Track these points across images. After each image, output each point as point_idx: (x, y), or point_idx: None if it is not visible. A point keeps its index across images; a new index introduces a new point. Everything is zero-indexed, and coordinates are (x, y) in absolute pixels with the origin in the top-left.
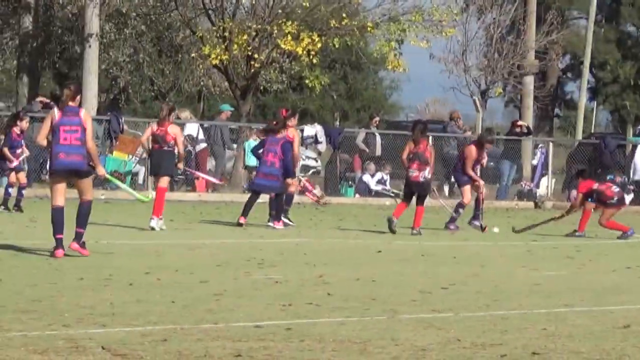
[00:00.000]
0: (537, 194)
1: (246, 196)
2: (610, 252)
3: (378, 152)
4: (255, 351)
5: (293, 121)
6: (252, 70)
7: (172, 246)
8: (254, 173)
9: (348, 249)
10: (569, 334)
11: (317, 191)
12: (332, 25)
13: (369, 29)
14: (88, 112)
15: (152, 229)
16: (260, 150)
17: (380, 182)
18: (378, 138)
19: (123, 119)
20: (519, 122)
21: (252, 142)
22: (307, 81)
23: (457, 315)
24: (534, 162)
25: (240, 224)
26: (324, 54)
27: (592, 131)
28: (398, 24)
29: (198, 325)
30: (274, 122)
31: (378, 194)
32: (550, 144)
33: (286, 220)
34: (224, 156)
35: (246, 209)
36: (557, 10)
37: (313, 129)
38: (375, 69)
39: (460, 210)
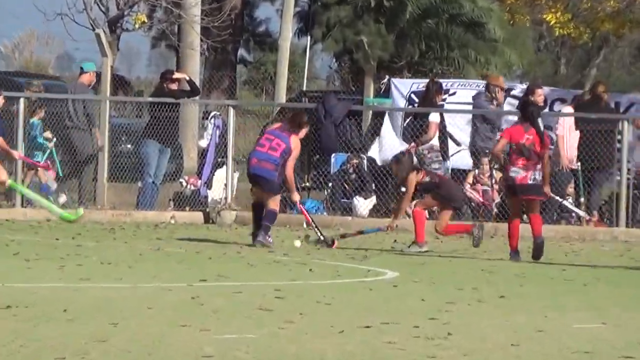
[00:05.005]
0: (209, 199)
1: None
2: (336, 299)
3: None
4: None
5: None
6: None
7: None
8: None
9: None
10: None
11: None
12: None
13: None
14: None
15: None
16: None
17: None
18: None
19: None
20: (176, 75)
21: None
22: None
23: None
24: (203, 143)
25: None
26: None
27: (305, 88)
28: None
29: None
30: None
31: None
32: (231, 110)
33: None
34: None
35: None
36: None
37: None
38: None
39: None
